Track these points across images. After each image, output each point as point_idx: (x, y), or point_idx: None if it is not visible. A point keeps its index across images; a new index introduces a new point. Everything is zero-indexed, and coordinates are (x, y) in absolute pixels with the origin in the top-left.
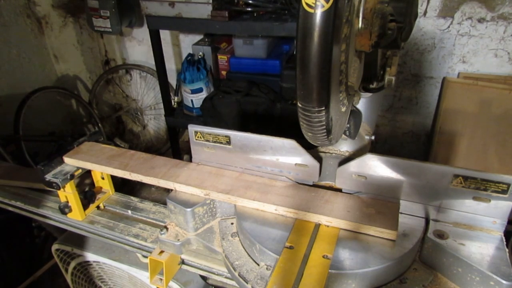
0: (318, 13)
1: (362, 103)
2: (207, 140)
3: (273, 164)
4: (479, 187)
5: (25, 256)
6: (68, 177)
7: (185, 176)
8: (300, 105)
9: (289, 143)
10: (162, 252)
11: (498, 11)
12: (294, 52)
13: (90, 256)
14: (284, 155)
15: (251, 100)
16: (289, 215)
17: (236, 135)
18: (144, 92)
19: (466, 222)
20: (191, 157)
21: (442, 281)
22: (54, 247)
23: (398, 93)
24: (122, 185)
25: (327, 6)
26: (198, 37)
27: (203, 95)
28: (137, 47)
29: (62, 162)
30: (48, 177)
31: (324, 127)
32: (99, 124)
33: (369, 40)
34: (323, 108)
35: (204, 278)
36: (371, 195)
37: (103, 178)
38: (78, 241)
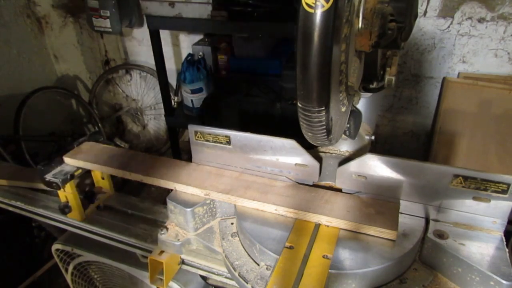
0: (318, 13)
1: (362, 103)
2: (207, 140)
3: (273, 164)
4: (479, 187)
5: (25, 256)
6: (68, 177)
7: (185, 176)
8: (300, 105)
9: (289, 143)
10: (162, 252)
11: (498, 11)
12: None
13: (90, 256)
14: (284, 155)
15: (251, 100)
16: (289, 215)
17: (236, 135)
18: (144, 92)
19: (466, 222)
20: (191, 157)
21: (442, 281)
22: (54, 247)
23: (398, 93)
24: (122, 185)
25: (327, 6)
26: (198, 37)
27: (203, 95)
28: (137, 47)
29: (62, 162)
30: (48, 177)
31: (324, 127)
32: (99, 124)
33: (369, 40)
34: (323, 108)
35: (204, 278)
36: (371, 195)
37: (103, 178)
38: (78, 241)
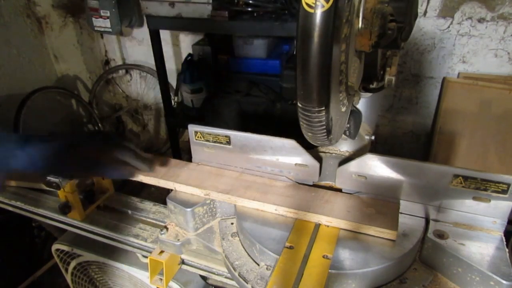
0: (318, 13)
1: (362, 103)
2: (207, 140)
3: (273, 164)
4: (479, 187)
5: (25, 256)
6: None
7: (185, 176)
8: (300, 105)
9: (289, 143)
10: (162, 252)
11: (498, 11)
12: (294, 52)
13: (90, 256)
14: (284, 155)
15: (251, 100)
16: (289, 215)
17: (236, 135)
18: (144, 92)
19: (466, 222)
20: (191, 157)
21: (442, 281)
22: (54, 247)
23: (398, 93)
24: (122, 185)
25: (327, 6)
26: (198, 37)
27: (203, 95)
28: (137, 47)
29: None
30: (48, 177)
31: (324, 127)
32: (99, 124)
33: (369, 40)
34: (323, 108)
35: (204, 278)
36: (371, 195)
37: (103, 178)
38: (78, 241)
